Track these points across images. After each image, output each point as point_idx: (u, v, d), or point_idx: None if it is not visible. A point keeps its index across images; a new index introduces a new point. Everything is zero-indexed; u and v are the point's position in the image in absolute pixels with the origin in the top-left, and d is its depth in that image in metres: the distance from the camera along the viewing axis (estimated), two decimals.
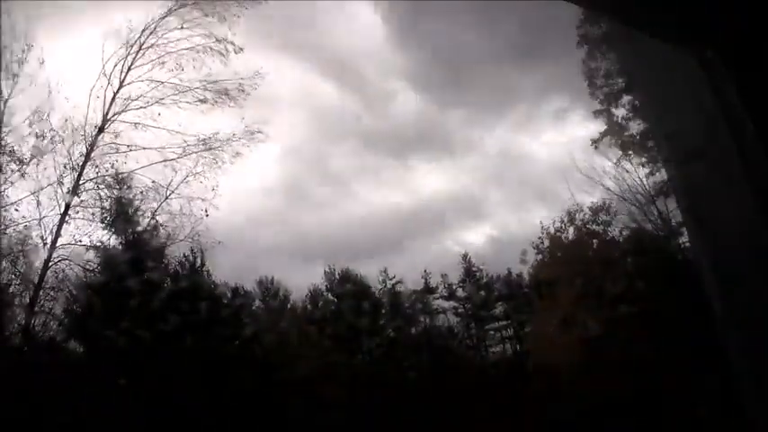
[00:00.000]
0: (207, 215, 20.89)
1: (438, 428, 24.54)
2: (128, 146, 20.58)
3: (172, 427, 18.37)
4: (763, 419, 1.27)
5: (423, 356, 29.03)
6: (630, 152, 22.14)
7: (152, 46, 21.19)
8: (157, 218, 21.26)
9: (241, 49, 21.47)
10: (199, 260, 22.05)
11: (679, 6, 1.45)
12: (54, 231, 19.02)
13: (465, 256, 33.03)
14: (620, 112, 22.83)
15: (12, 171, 18.73)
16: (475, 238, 40.61)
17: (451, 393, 25.89)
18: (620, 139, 22.66)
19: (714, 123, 1.41)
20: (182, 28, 21.30)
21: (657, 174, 20.47)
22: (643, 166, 21.73)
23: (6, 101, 18.86)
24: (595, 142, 23.02)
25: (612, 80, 22.52)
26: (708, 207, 1.43)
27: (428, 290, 32.04)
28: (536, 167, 35.00)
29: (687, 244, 19.13)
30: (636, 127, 22.11)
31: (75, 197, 19.74)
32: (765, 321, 1.29)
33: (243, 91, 21.56)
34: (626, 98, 22.17)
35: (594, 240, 24.88)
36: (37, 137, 19.36)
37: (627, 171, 21.97)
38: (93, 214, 20.07)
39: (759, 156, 1.32)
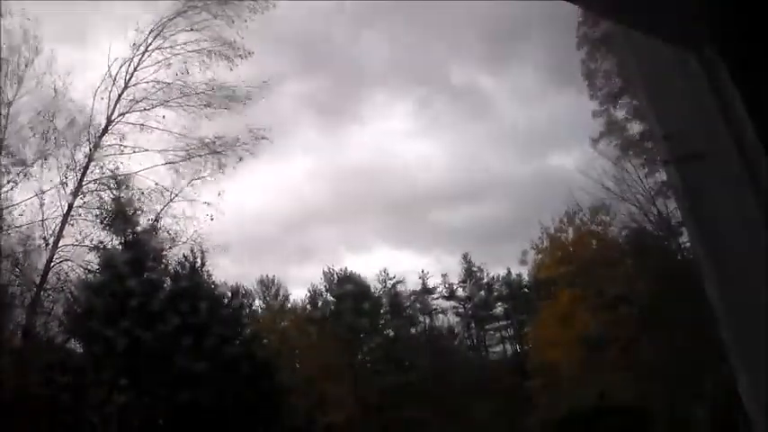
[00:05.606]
0: (212, 219, 20.70)
1: (438, 428, 24.53)
2: (131, 147, 20.41)
3: (171, 427, 18.38)
4: (763, 420, 1.28)
5: (423, 356, 29.00)
6: (630, 152, 22.08)
7: (158, 48, 20.83)
8: (161, 220, 21.12)
9: (249, 53, 20.92)
10: (199, 260, 21.98)
11: (679, 6, 1.45)
12: (56, 232, 18.98)
13: (465, 256, 33.03)
14: (619, 113, 22.77)
15: (15, 173, 18.72)
16: None
17: (452, 393, 25.88)
18: (619, 139, 22.60)
19: (714, 123, 1.41)
20: (190, 30, 20.79)
21: (657, 174, 20.39)
22: (643, 166, 21.67)
23: (7, 101, 18.85)
24: (595, 142, 22.97)
25: (612, 81, 22.45)
26: (708, 207, 1.43)
27: (427, 290, 32.05)
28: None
29: (687, 244, 19.10)
30: (635, 127, 22.06)
31: (78, 198, 19.66)
32: (765, 321, 1.29)
33: (250, 99, 21.14)
34: (625, 99, 22.09)
35: (594, 240, 24.87)
36: (41, 138, 19.30)
37: (627, 171, 21.93)
38: (95, 215, 20.02)
39: (759, 156, 1.32)
